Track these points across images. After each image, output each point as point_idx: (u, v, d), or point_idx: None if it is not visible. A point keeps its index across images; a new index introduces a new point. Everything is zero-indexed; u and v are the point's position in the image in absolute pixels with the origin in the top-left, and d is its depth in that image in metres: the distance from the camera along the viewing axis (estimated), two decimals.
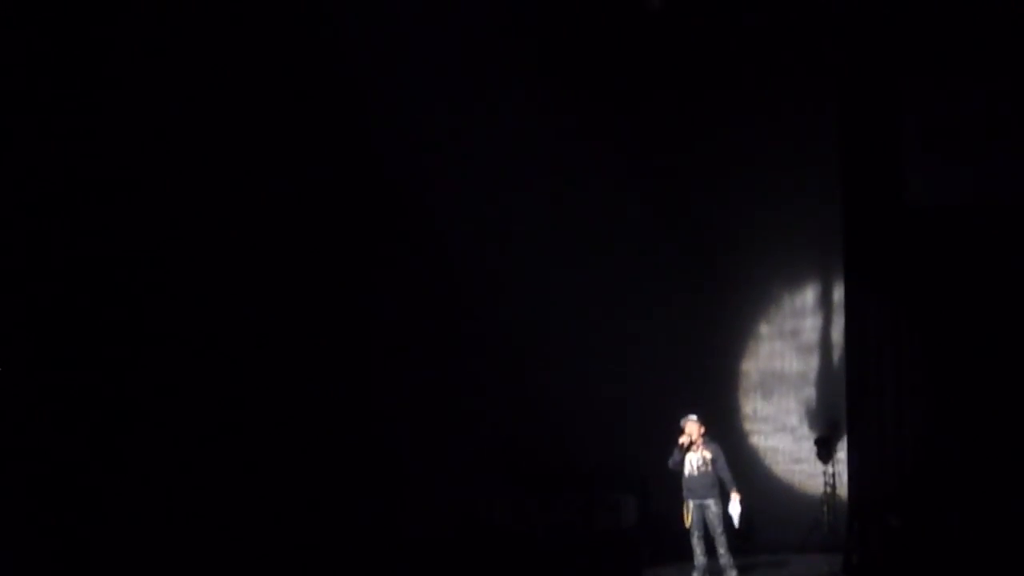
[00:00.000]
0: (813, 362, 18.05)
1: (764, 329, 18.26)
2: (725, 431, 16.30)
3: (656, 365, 17.63)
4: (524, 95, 17.23)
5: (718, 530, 14.57)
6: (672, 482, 15.09)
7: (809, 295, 18.13)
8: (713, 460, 14.57)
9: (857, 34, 16.66)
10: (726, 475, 14.60)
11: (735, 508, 14.53)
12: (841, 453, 17.34)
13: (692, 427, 14.64)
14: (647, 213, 17.66)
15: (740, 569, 14.91)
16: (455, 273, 17.84)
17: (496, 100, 17.28)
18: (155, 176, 16.23)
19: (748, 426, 18.10)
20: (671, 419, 15.25)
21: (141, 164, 16.16)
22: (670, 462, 14.67)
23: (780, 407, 18.12)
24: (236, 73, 16.47)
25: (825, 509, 17.37)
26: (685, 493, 14.64)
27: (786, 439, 18.03)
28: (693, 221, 17.85)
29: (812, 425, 17.90)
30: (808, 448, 17.77)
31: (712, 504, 14.50)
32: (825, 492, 17.45)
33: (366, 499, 17.31)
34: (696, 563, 14.73)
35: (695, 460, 14.59)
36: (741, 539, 15.32)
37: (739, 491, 14.61)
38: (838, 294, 17.57)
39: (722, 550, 14.64)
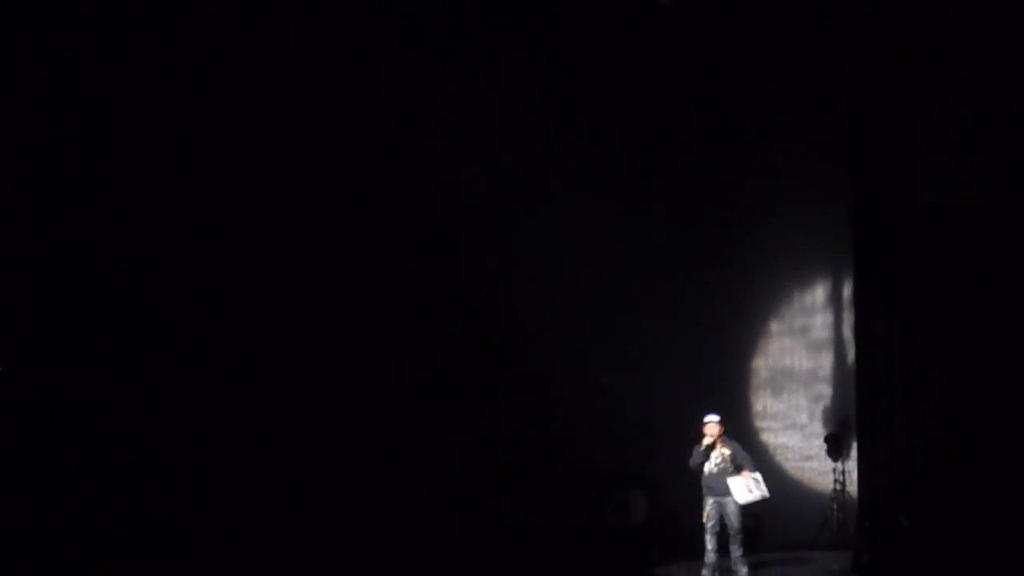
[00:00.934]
0: (823, 359, 18.09)
1: (774, 326, 18.29)
2: (735, 428, 16.27)
3: (665, 362, 17.63)
4: (533, 96, 17.30)
5: (735, 526, 14.66)
6: (682, 479, 15.16)
7: (819, 292, 18.15)
8: (732, 455, 14.68)
9: (869, 35, 16.69)
10: (747, 461, 14.70)
11: (741, 482, 14.55)
12: (851, 451, 17.37)
13: (714, 428, 14.75)
14: (657, 212, 17.67)
15: (750, 566, 14.95)
16: (464, 272, 17.84)
17: (508, 106, 17.30)
18: (158, 173, 16.20)
19: (758, 423, 18.14)
20: (680, 416, 15.28)
21: (145, 161, 16.14)
22: (691, 462, 14.77)
23: (790, 404, 18.16)
24: (251, 83, 16.48)
25: (835, 507, 17.39)
26: (704, 491, 14.75)
27: (796, 436, 18.07)
28: (704, 219, 17.88)
29: (822, 422, 17.93)
30: (818, 446, 17.81)
31: (731, 501, 14.63)
32: (835, 490, 17.47)
33: (373, 498, 17.32)
34: (706, 559, 14.79)
35: (715, 458, 14.72)
36: (751, 536, 15.36)
37: (755, 469, 14.71)
38: (848, 291, 17.62)
39: (736, 546, 14.71)
